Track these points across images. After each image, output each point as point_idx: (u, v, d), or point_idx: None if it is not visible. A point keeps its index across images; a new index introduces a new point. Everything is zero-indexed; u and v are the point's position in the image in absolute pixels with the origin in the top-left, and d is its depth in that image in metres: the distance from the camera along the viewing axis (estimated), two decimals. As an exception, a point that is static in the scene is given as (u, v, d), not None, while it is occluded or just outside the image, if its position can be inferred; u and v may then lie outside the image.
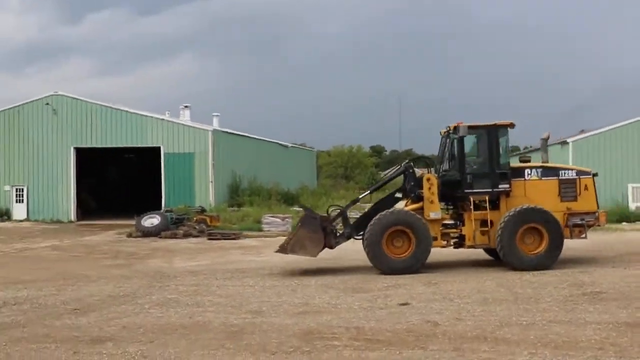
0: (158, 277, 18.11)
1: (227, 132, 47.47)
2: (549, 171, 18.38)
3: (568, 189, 18.06)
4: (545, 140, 20.31)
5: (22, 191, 44.46)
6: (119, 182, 56.97)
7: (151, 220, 32.45)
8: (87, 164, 46.65)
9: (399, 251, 17.59)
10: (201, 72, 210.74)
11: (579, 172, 18.52)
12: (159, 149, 42.77)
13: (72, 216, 43.61)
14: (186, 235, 31.25)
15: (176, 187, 42.18)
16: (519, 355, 9.08)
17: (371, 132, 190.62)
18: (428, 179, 18.09)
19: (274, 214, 35.25)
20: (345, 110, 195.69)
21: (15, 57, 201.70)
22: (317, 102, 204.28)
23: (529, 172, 18.21)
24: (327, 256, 18.94)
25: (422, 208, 18.08)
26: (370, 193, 20.09)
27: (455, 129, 18.18)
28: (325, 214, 18.94)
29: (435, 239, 17.98)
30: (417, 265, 17.46)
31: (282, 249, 18.78)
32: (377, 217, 17.81)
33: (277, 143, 57.58)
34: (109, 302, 14.17)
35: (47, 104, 44.06)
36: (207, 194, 41.45)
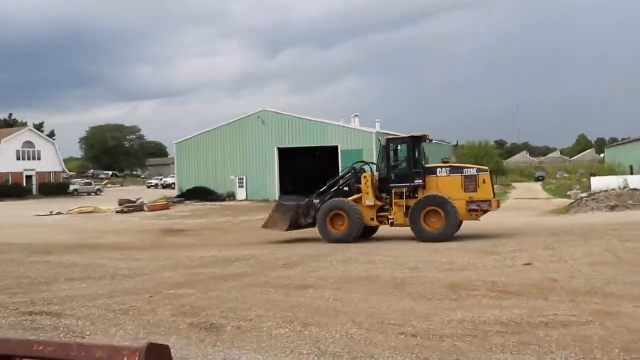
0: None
1: (386, 133, 47.50)
2: (455, 170, 18.44)
3: (470, 183, 17.88)
4: (455, 146, 20.00)
5: (243, 180, 46.93)
6: (308, 172, 58.46)
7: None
8: (287, 159, 48.34)
9: (341, 228, 18.49)
10: (365, 89, 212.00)
11: (479, 170, 18.40)
12: (336, 147, 43.56)
13: (277, 196, 45.41)
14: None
15: (350, 174, 42.81)
16: (625, 307, 8.51)
17: (496, 129, 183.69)
18: (365, 177, 18.87)
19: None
20: (475, 113, 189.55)
21: (234, 84, 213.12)
22: (455, 106, 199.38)
23: (440, 171, 18.35)
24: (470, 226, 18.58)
25: (361, 198, 18.78)
26: (327, 188, 20.19)
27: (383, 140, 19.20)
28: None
29: (373, 219, 18.70)
30: (351, 237, 18.18)
31: (265, 226, 20.15)
32: (324, 205, 18.90)
33: (423, 140, 56.82)
34: (308, 260, 14.59)
35: (258, 117, 46.11)
36: (373, 179, 41.77)
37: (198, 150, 49.15)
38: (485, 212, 18.00)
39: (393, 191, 18.45)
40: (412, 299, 9.48)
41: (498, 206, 18.47)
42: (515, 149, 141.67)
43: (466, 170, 18.32)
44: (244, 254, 15.90)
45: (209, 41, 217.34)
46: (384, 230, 19.64)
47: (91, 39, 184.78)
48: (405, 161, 18.94)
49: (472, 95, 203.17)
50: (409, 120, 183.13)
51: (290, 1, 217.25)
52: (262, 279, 11.84)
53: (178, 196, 47.87)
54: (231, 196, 46.73)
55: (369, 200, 18.62)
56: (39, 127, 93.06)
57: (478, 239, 17.47)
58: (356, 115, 51.45)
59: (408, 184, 18.37)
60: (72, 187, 69.05)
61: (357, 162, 20.67)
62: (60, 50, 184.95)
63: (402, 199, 18.30)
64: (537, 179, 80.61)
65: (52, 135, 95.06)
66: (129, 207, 39.36)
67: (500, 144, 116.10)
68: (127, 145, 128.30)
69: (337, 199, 19.06)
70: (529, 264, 12.48)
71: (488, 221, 19.21)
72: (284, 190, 47.34)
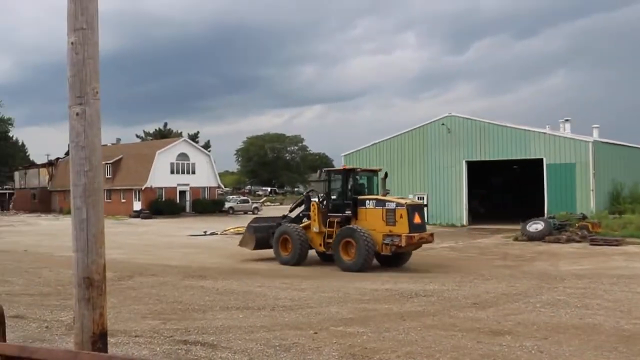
0: (545, 279, 17.77)
1: (607, 142, 44.82)
2: (379, 202, 21.35)
3: (390, 217, 20.88)
4: (384, 179, 23.09)
5: (424, 199, 46.85)
6: (504, 191, 57.01)
7: (536, 226, 31.96)
8: (477, 174, 47.49)
9: (288, 251, 22.81)
10: (578, 87, 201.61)
11: (397, 204, 20.97)
12: (541, 160, 41.95)
13: (464, 221, 44.76)
14: (569, 240, 30.15)
15: (558, 195, 40.94)
16: None
17: None
18: (313, 205, 23.10)
19: (658, 222, 32.29)
20: None
21: (413, 84, 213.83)
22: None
23: (368, 203, 21.61)
24: None
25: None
26: (289, 212, 25.41)
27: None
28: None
29: (321, 245, 22.57)
30: (294, 260, 22.40)
31: (239, 244, 25.68)
32: (277, 230, 23.46)
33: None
34: (503, 299, 14.24)
35: (443, 124, 45.88)
36: (588, 201, 39.54)
37: (369, 163, 50.00)
38: (397, 246, 20.64)
39: (328, 220, 22.41)
40: (645, 358, 8.84)
41: (408, 243, 20.62)
42: None
43: (388, 203, 21.21)
44: (425, 289, 15.95)
45: (382, 35, 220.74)
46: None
47: (248, 38, 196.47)
48: (339, 192, 22.74)
49: None
50: (637, 126, 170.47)
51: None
52: (447, 320, 11.83)
53: (345, 216, 49.07)
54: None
55: (315, 227, 22.75)
56: (194, 138, 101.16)
57: None
58: (566, 120, 49.18)
59: (341, 214, 22.15)
60: (227, 205, 73.86)
61: (310, 191, 26.14)
62: (215, 53, 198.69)
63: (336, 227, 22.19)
64: None
65: (207, 146, 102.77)
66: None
67: None
68: (287, 158, 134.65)
69: (287, 224, 23.65)
70: None
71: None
72: (473, 212, 46.57)
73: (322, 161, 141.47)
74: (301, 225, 23.27)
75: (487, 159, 44.65)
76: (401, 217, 20.62)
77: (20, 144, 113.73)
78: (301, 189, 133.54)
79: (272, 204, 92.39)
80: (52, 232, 42.86)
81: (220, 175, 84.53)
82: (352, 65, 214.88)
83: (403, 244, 20.48)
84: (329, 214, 22.47)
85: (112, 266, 19.79)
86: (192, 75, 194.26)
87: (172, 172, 72.00)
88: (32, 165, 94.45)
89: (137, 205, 68.68)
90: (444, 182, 45.95)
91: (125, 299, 14.64)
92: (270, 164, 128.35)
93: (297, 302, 13.98)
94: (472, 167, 45.83)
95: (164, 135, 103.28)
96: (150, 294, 15.47)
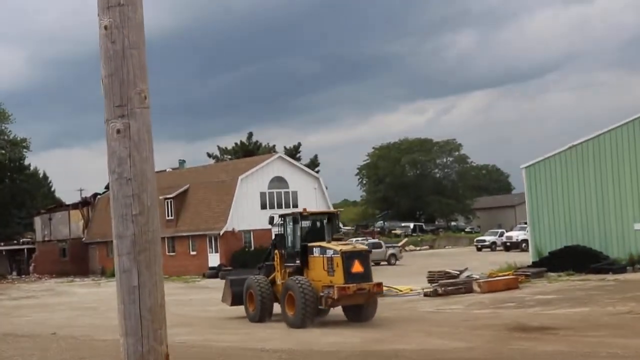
0: None
1: None
2: (322, 249, 26.96)
3: (329, 265, 26.30)
4: (332, 221, 29.65)
5: (659, 229, 45.43)
6: None
7: None
8: None
9: (254, 306, 29.62)
10: None
11: (334, 252, 26.34)
12: None
13: None
14: None
15: None
16: None
17: None
18: (276, 254, 29.89)
19: None
20: None
21: (629, 50, 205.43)
22: None
23: (315, 250, 27.45)
24: None
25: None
26: (263, 264, 32.46)
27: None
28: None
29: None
30: (257, 317, 29.29)
31: (221, 299, 33.35)
32: (245, 284, 30.29)
33: None
34: None
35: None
36: None
37: (567, 177, 49.04)
38: (332, 300, 25.85)
39: (284, 270, 28.90)
40: None
41: (341, 295, 25.67)
42: None
43: (328, 250, 26.72)
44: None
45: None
46: None
47: (363, 3, 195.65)
48: (292, 239, 29.33)
49: None
50: None
51: None
52: None
53: (534, 264, 48.20)
54: (637, 262, 45.61)
55: (278, 279, 29.15)
56: (294, 153, 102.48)
57: None
58: None
59: (292, 264, 28.59)
60: (348, 252, 73.79)
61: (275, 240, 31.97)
62: (316, 24, 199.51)
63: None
64: None
65: (313, 164, 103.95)
66: (447, 285, 40.76)
67: None
68: (438, 175, 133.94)
69: (253, 277, 30.53)
70: None
71: None
72: None
73: (490, 177, 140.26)
74: (270, 277, 30.03)
75: None
76: (337, 265, 26.14)
77: (41, 175, 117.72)
78: (461, 222, 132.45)
79: (418, 248, 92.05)
80: (92, 305, 44.54)
81: (336, 206, 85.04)
82: (530, 26, 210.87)
83: (335, 296, 25.77)
84: (285, 264, 29.05)
85: (180, 354, 20.28)
86: (284, 60, 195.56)
87: (263, 206, 72.65)
88: (60, 206, 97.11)
89: (214, 259, 69.92)
90: None
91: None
92: (411, 186, 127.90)
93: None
94: None
95: (249, 151, 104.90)
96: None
